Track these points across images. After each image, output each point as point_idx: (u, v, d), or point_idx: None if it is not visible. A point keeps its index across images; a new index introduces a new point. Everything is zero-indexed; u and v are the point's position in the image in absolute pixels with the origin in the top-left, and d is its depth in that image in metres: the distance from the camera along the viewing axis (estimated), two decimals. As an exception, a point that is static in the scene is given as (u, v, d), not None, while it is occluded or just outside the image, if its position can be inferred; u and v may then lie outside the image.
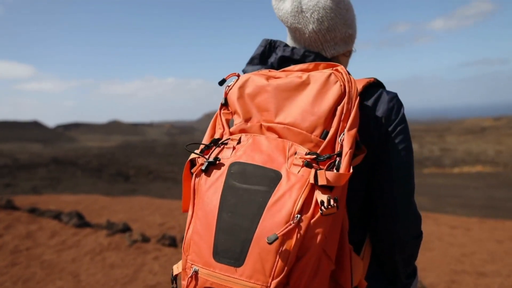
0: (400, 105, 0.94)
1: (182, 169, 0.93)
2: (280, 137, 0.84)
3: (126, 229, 5.33)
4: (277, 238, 0.70)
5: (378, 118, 0.92)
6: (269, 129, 0.86)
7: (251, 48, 1.15)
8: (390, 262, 0.98)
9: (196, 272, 0.79)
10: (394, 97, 0.95)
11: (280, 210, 0.73)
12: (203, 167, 0.84)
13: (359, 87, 0.90)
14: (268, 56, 1.04)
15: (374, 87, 0.96)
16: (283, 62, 1.01)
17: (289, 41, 1.08)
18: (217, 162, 0.84)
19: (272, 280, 0.71)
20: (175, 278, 0.90)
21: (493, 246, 5.99)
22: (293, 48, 1.00)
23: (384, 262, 1.00)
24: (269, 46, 1.04)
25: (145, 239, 4.98)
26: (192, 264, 0.80)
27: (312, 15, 0.98)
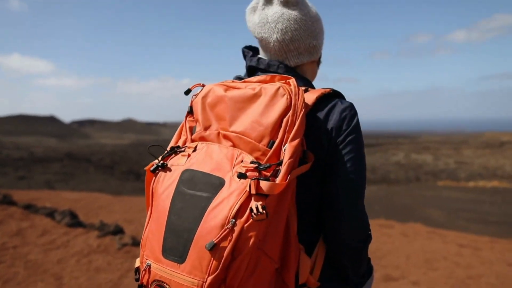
0: (353, 115, 0.98)
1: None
2: (234, 144, 0.91)
3: (118, 231, 5.20)
4: (214, 245, 0.78)
5: (328, 129, 0.96)
6: (225, 137, 0.92)
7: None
8: (339, 265, 1.02)
9: (149, 266, 0.88)
10: (347, 107, 0.98)
11: (217, 215, 0.80)
12: (151, 169, 0.93)
13: (313, 98, 0.96)
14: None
15: (329, 97, 1.00)
16: (253, 71, 1.11)
17: (260, 52, 1.14)
18: (167, 166, 0.92)
19: (208, 276, 0.78)
20: (137, 270, 0.97)
21: (503, 270, 5.62)
22: (259, 59, 1.08)
23: (335, 264, 1.03)
24: (244, 53, 1.14)
25: (136, 243, 4.83)
26: (146, 259, 0.90)
27: (277, 26, 1.04)
